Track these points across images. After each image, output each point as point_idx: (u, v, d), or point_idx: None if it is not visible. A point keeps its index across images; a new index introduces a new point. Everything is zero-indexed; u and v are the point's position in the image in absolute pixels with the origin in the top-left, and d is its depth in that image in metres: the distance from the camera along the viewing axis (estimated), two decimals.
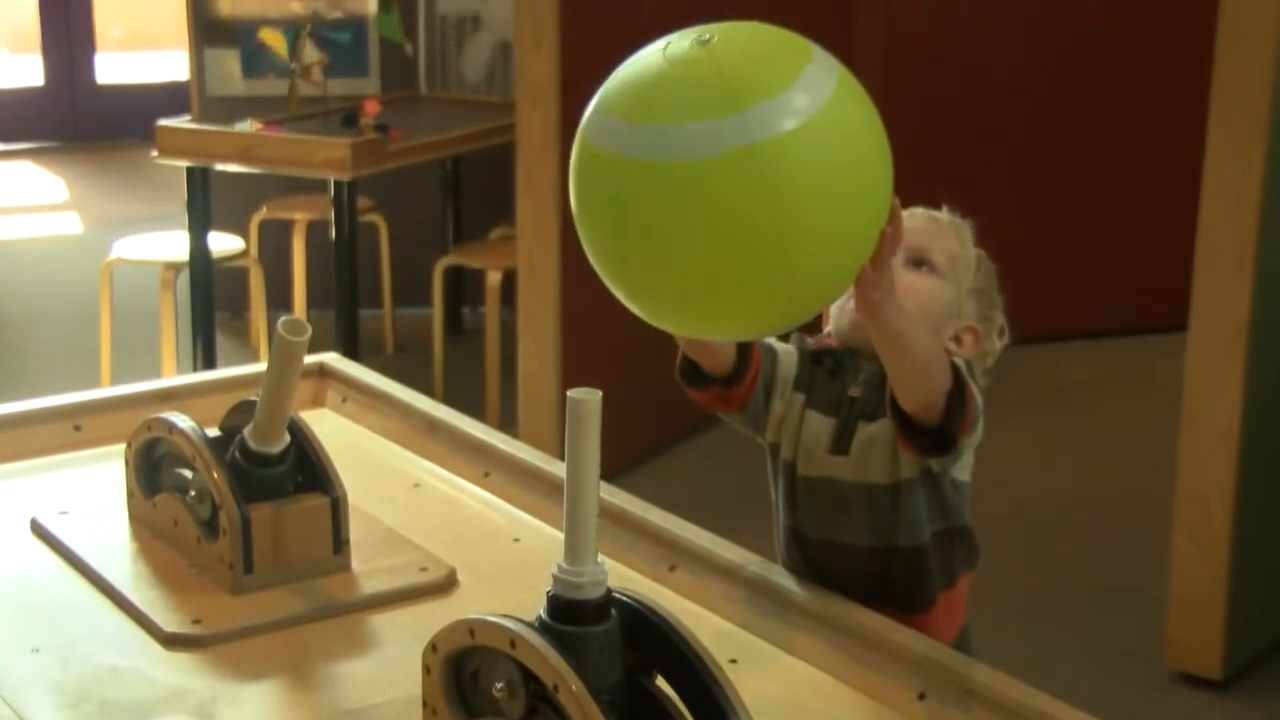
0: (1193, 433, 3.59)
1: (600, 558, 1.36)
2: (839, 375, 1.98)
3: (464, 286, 5.97)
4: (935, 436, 1.78)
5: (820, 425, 1.97)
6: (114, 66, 9.62)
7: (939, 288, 2.01)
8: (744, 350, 1.90)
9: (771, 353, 1.98)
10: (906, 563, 1.85)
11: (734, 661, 1.61)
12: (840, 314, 2.00)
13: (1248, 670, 3.68)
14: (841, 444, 1.93)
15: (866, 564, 1.84)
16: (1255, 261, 3.46)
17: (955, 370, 1.77)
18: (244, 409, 1.84)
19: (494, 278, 5.14)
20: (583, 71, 4.33)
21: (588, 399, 1.33)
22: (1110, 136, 5.86)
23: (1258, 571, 3.67)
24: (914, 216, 2.03)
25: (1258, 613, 3.71)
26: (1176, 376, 3.62)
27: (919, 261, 2.00)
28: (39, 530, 1.95)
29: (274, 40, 5.40)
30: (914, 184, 4.78)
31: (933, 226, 2.07)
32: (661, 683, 1.35)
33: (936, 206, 2.12)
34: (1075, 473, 4.79)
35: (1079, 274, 5.92)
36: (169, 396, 2.29)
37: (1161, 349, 4.66)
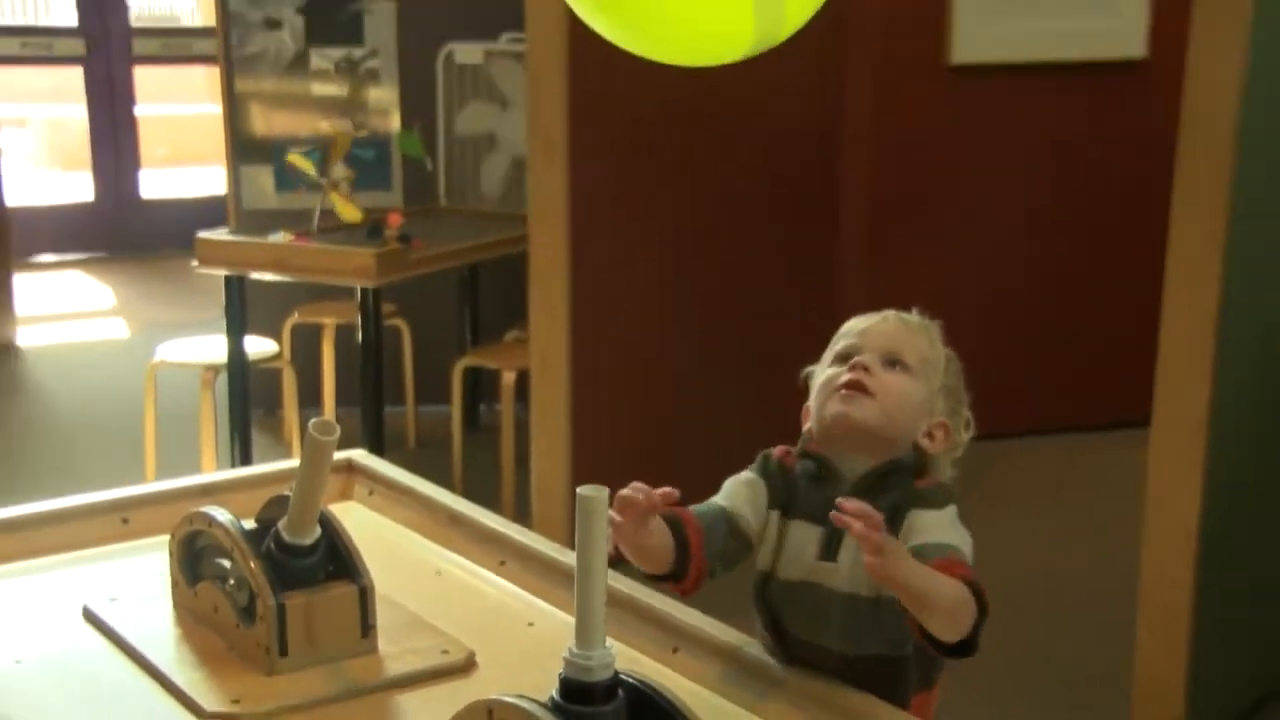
0: (1155, 527, 3.57)
1: (608, 641, 1.36)
2: (822, 481, 1.91)
3: (481, 385, 5.98)
4: (958, 648, 1.72)
5: (807, 534, 1.88)
6: (158, 182, 9.68)
7: (912, 386, 1.95)
8: (682, 552, 1.83)
9: (724, 522, 1.89)
10: (886, 671, 1.79)
11: None
12: (819, 413, 1.94)
13: None
14: (830, 551, 1.85)
15: (845, 669, 1.76)
16: (1214, 360, 3.42)
17: (978, 594, 1.69)
18: (278, 503, 1.84)
19: (509, 377, 5.18)
20: (590, 186, 4.40)
21: (596, 495, 1.34)
22: (1073, 237, 5.92)
23: (1217, 665, 3.64)
24: (886, 320, 2.02)
25: (1217, 706, 3.68)
26: (1140, 471, 3.59)
27: (893, 362, 1.96)
28: (90, 616, 1.94)
29: (302, 164, 5.47)
30: (884, 279, 4.89)
31: (904, 330, 2.02)
32: None
33: (908, 309, 2.10)
34: (1045, 562, 4.77)
35: (1047, 371, 5.98)
36: (209, 491, 2.30)
37: (1126, 443, 4.64)
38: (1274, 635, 3.94)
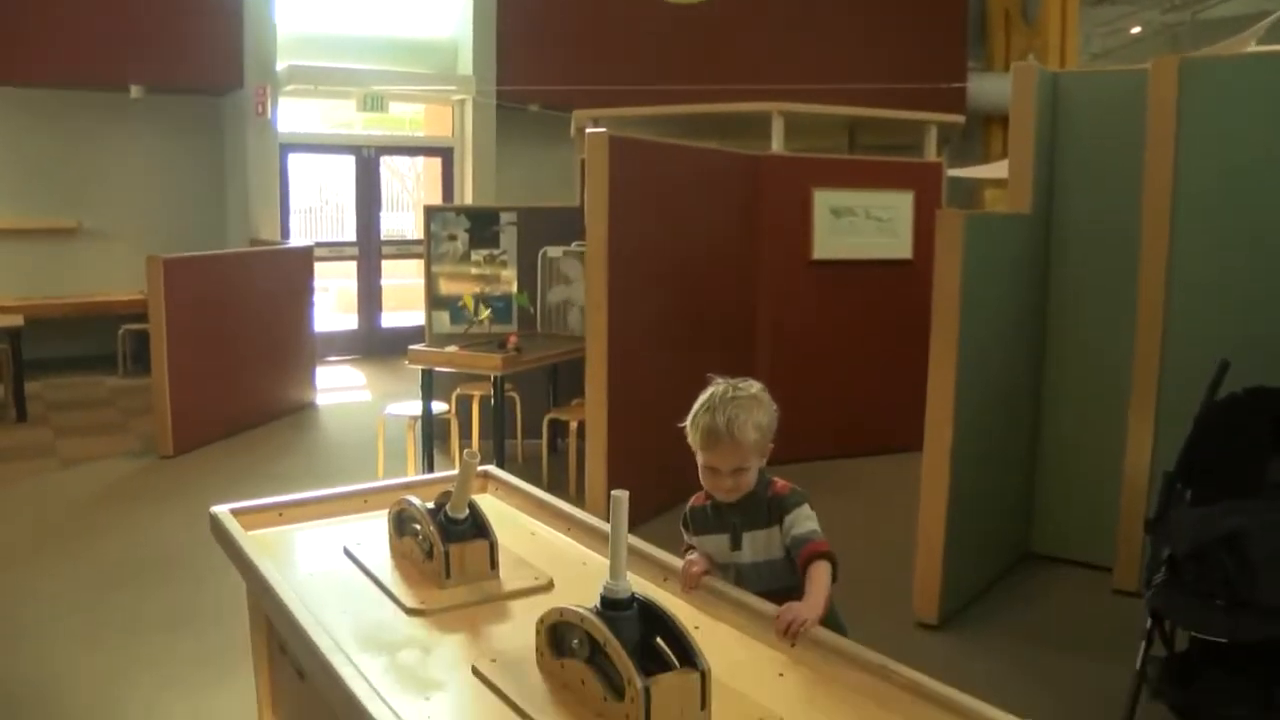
0: (928, 491, 3.63)
1: (628, 575, 1.43)
2: (720, 510, 1.87)
3: (558, 429, 6.04)
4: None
5: (719, 540, 1.89)
6: (390, 319, 10.21)
7: (752, 471, 1.84)
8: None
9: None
10: (789, 595, 1.71)
11: (697, 628, 1.70)
12: (709, 491, 1.90)
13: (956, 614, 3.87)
14: (736, 544, 1.90)
15: (770, 596, 1.71)
16: (954, 408, 3.56)
17: (831, 556, 1.73)
18: (446, 494, 1.96)
19: (574, 424, 5.47)
20: (622, 325, 4.72)
21: (621, 496, 1.47)
22: (881, 342, 6.06)
23: (962, 552, 3.79)
24: (724, 444, 1.77)
25: (960, 580, 3.87)
26: (916, 473, 3.76)
27: (739, 469, 1.81)
28: (346, 552, 2.11)
29: (469, 300, 5.88)
30: (777, 341, 4.46)
31: (737, 450, 1.79)
32: (660, 641, 1.42)
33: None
34: (861, 516, 5.00)
35: (864, 410, 6.17)
36: (410, 486, 2.42)
37: (908, 461, 4.82)
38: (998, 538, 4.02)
